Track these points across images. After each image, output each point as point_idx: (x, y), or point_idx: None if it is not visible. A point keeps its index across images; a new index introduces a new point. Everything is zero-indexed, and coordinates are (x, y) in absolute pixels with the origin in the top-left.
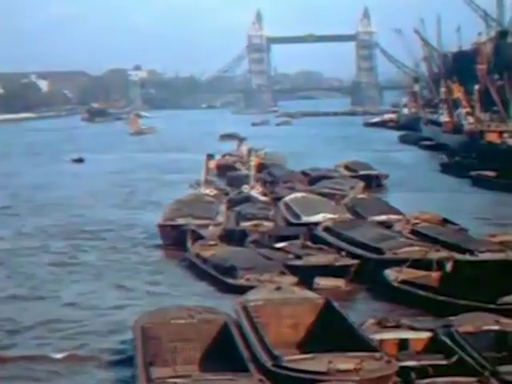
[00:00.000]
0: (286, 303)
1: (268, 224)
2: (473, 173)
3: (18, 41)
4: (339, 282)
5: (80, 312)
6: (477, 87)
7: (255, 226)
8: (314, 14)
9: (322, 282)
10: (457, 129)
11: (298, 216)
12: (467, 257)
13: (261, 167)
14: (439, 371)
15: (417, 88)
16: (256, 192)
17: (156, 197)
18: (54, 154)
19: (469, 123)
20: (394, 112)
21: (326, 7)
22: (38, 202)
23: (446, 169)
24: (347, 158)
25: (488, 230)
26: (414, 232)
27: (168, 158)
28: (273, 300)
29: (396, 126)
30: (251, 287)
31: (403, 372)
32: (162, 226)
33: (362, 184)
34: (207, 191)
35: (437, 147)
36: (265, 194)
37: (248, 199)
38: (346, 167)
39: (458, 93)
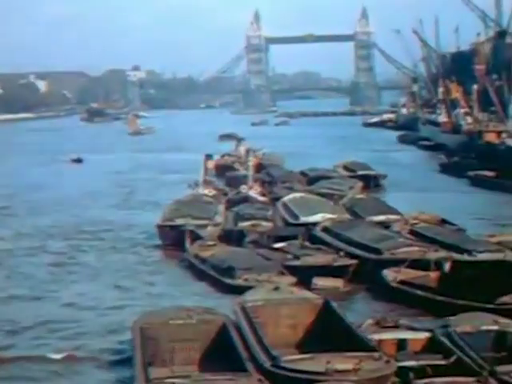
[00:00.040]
0: (285, 303)
1: (266, 224)
2: (471, 173)
3: (18, 41)
4: (338, 283)
5: (79, 312)
6: (475, 87)
7: (253, 226)
8: (312, 14)
9: (320, 282)
10: (455, 129)
11: (296, 216)
12: (465, 257)
13: (259, 167)
14: (438, 371)
15: (415, 88)
16: (254, 192)
17: (155, 197)
18: (52, 154)
19: (467, 123)
20: (392, 112)
21: (324, 7)
22: (37, 202)
23: (444, 169)
24: (346, 158)
25: (486, 230)
26: (412, 232)
27: (167, 158)
28: (271, 300)
29: (394, 126)
30: (250, 287)
31: (402, 372)
32: (160, 227)
33: (360, 184)
34: (206, 191)
35: (435, 147)
36: (263, 194)
37: (246, 199)
38: (345, 167)
39: (456, 93)
